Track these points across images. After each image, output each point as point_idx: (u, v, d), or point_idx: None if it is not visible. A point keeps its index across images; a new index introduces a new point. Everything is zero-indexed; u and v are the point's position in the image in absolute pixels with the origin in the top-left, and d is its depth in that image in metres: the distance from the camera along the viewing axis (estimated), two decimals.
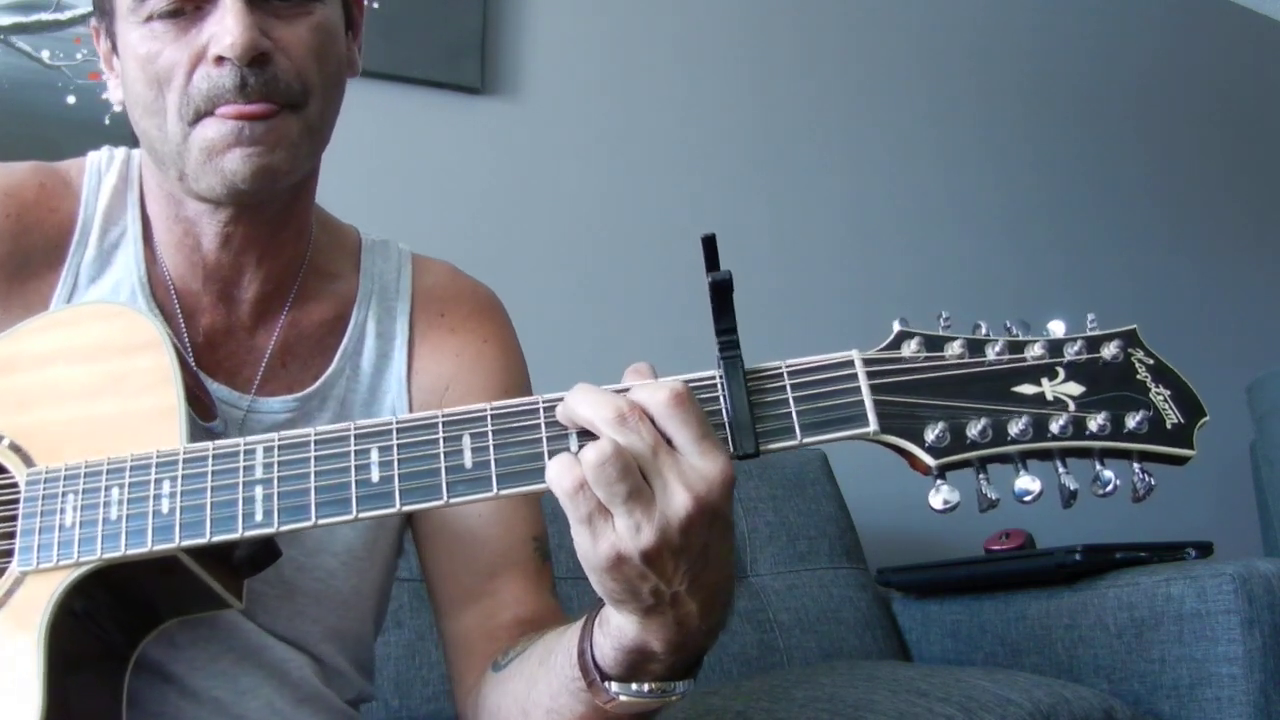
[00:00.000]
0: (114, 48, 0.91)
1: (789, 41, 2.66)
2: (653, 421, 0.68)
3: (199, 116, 0.86)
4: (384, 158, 2.07)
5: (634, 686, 0.74)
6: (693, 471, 0.67)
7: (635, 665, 0.73)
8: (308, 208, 1.00)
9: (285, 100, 0.87)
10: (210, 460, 0.76)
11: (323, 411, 0.97)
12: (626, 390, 0.70)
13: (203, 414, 0.83)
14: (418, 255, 1.08)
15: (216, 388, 0.93)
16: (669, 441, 0.68)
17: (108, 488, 0.77)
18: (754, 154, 2.55)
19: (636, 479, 0.66)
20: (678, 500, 0.66)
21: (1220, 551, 1.83)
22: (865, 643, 1.96)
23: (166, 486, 0.76)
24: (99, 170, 0.98)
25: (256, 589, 0.87)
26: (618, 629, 0.72)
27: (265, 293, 0.97)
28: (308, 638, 0.94)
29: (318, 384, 0.97)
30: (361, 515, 0.73)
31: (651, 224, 2.37)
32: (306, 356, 0.98)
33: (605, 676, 0.75)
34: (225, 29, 0.84)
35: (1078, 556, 1.74)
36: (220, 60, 0.84)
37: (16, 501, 0.80)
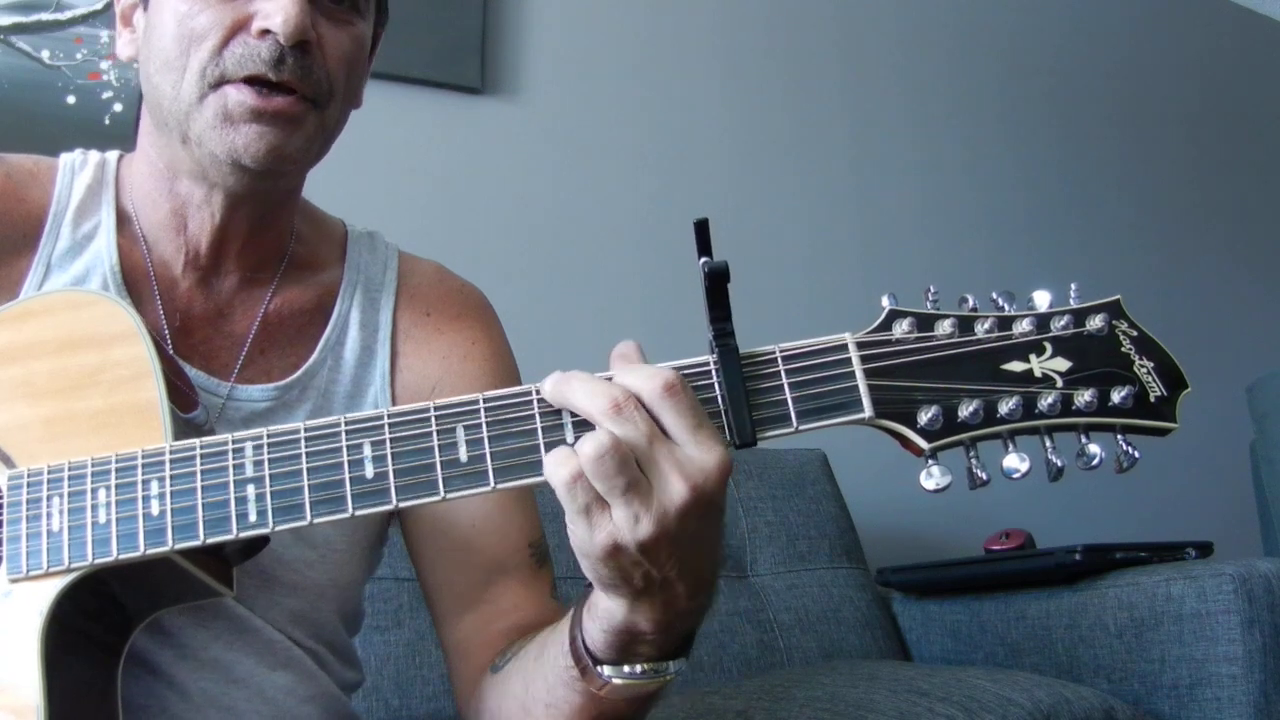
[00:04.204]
0: (144, 1, 0.91)
1: (785, 39, 2.66)
2: (647, 410, 0.67)
3: (222, 81, 0.85)
4: (384, 158, 2.07)
5: (626, 669, 0.74)
6: (690, 462, 0.66)
7: (625, 646, 0.73)
8: (294, 207, 1.00)
9: (313, 93, 0.87)
10: (199, 459, 0.74)
11: (303, 402, 0.95)
12: (619, 377, 0.69)
13: (183, 404, 0.81)
14: (405, 252, 1.07)
15: (194, 374, 0.91)
16: (664, 430, 0.67)
17: (94, 490, 0.75)
18: (751, 150, 2.56)
19: (634, 471, 0.66)
20: (675, 491, 0.66)
21: (1220, 551, 1.83)
22: (865, 643, 1.95)
23: (155, 487, 0.74)
24: (72, 168, 0.97)
25: (234, 576, 0.85)
26: (606, 611, 0.72)
27: (244, 279, 0.96)
28: (282, 625, 0.93)
29: (298, 373, 0.96)
30: (357, 512, 0.71)
31: (650, 223, 2.37)
32: (287, 344, 0.97)
33: (597, 660, 0.74)
34: (279, 6, 0.84)
35: (1078, 556, 1.74)
36: (264, 34, 0.84)
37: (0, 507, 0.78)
